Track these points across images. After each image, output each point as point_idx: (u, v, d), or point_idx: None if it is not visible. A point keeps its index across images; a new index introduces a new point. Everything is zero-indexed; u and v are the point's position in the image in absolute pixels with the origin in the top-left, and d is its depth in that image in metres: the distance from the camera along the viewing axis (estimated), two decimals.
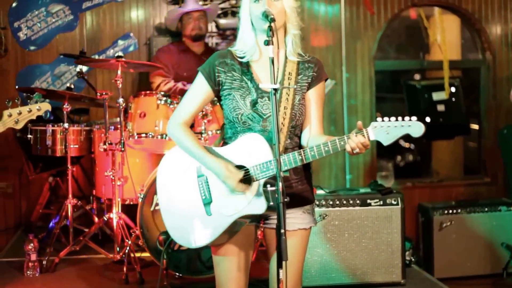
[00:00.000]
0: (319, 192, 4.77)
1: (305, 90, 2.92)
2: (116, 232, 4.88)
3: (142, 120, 4.83)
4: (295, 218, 2.90)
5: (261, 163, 2.72)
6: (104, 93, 4.91)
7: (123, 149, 4.82)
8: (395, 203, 4.69)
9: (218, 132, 4.82)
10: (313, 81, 2.93)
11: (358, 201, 4.67)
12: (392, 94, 7.93)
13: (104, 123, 5.01)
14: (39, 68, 6.32)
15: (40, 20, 6.29)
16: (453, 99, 6.71)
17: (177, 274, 4.56)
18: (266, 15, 2.70)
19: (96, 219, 5.36)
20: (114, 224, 4.87)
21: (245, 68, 2.90)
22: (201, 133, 4.74)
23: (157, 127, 4.79)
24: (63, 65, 6.34)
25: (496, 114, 6.98)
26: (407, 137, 2.64)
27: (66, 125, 5.11)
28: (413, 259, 5.24)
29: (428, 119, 6.53)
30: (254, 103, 2.84)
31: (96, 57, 6.29)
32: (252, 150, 2.76)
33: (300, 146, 2.94)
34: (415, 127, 2.61)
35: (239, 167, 2.78)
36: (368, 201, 4.68)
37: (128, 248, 4.70)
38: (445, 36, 6.89)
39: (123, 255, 4.72)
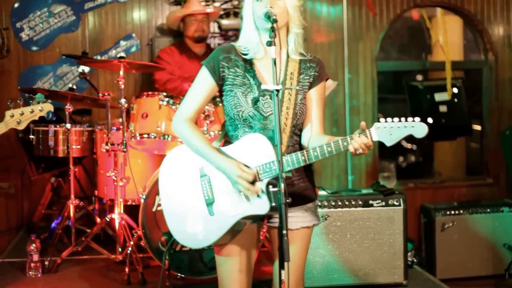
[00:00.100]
0: (321, 193, 4.77)
1: (306, 89, 2.92)
2: (118, 233, 4.88)
3: (144, 120, 4.83)
4: (297, 217, 2.91)
5: (264, 164, 2.72)
6: (106, 94, 4.91)
7: (125, 149, 4.82)
8: (397, 204, 4.69)
9: (220, 132, 4.82)
10: (315, 81, 2.93)
11: (360, 202, 4.67)
12: (394, 95, 7.92)
13: (106, 123, 5.01)
14: (41, 68, 6.32)
15: (42, 21, 6.30)
16: (456, 100, 6.71)
17: (179, 274, 4.56)
18: (268, 16, 2.70)
19: (98, 220, 5.36)
20: (116, 224, 4.87)
21: (248, 65, 2.89)
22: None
23: (159, 128, 4.79)
24: (65, 65, 6.34)
25: (499, 115, 6.97)
26: (409, 138, 2.63)
27: (68, 125, 5.11)
28: (415, 260, 5.23)
29: (430, 120, 6.52)
30: (255, 101, 2.84)
31: (98, 57, 6.30)
32: (255, 150, 2.76)
33: (300, 145, 2.94)
34: (418, 128, 2.61)
35: None
36: (370, 202, 4.68)
37: (130, 248, 4.70)
38: (448, 37, 6.89)
39: (125, 256, 4.72)
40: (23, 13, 6.25)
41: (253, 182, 2.72)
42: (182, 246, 4.40)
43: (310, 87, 2.93)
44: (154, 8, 6.47)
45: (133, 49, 6.44)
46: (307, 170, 2.94)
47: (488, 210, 6.21)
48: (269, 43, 2.65)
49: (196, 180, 2.87)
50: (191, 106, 2.91)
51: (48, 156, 5.44)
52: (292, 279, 2.83)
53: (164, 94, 4.87)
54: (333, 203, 4.64)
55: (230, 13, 6.41)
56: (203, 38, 5.95)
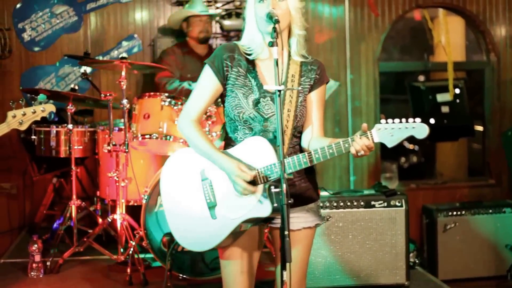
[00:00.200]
0: (323, 193, 4.76)
1: (307, 91, 2.92)
2: (120, 233, 4.88)
3: (146, 121, 4.83)
4: (299, 217, 2.90)
5: (266, 166, 2.72)
6: (108, 94, 4.91)
7: (127, 150, 4.82)
8: (399, 204, 4.68)
9: (221, 132, 4.82)
10: (315, 84, 2.93)
11: (362, 203, 4.66)
12: (396, 96, 7.93)
13: (108, 124, 5.01)
14: (43, 69, 6.32)
15: (44, 21, 6.30)
16: (458, 101, 6.70)
17: (181, 275, 4.56)
18: (270, 16, 2.70)
19: (100, 220, 5.36)
20: (118, 225, 4.87)
21: (251, 65, 2.89)
22: None
23: (161, 128, 4.78)
24: (67, 66, 6.35)
25: (501, 116, 6.97)
26: (411, 139, 2.63)
27: (70, 126, 5.11)
28: (417, 261, 5.23)
29: (432, 121, 6.52)
30: (256, 103, 2.83)
31: (100, 58, 6.30)
32: (256, 152, 2.76)
33: (300, 146, 2.94)
34: (419, 129, 2.60)
35: None
36: (372, 202, 4.67)
37: (132, 249, 4.70)
38: (450, 38, 6.88)
39: (127, 256, 4.72)
40: (25, 14, 6.26)
41: (253, 183, 2.72)
42: (184, 247, 4.39)
43: (310, 90, 2.92)
44: (156, 9, 6.47)
45: (135, 49, 6.44)
46: (309, 171, 2.93)
47: (490, 211, 6.21)
48: (271, 44, 2.65)
49: (198, 183, 2.86)
50: (196, 106, 2.90)
51: (50, 156, 5.44)
52: (294, 280, 2.83)
53: (166, 94, 4.87)
54: (335, 204, 4.64)
55: (232, 13, 6.41)
56: (207, 38, 5.97)
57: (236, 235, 2.84)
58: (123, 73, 4.83)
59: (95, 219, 5.49)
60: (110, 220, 4.96)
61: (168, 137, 4.78)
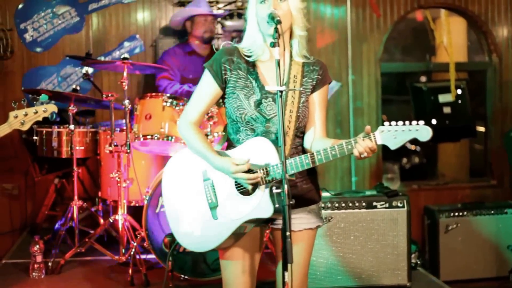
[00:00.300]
0: (325, 194, 4.76)
1: (309, 92, 2.91)
2: (121, 234, 4.88)
3: (147, 122, 4.83)
4: (301, 218, 2.90)
5: (268, 167, 2.72)
6: (110, 95, 4.91)
7: (128, 150, 4.82)
8: (401, 205, 4.68)
9: (223, 133, 4.81)
10: (318, 84, 2.92)
11: (363, 204, 4.66)
12: (398, 96, 7.92)
13: (109, 124, 5.01)
14: (45, 69, 6.33)
15: (46, 22, 6.30)
16: (459, 102, 6.70)
17: (182, 276, 4.56)
18: (272, 17, 2.70)
19: (101, 221, 5.36)
20: (120, 226, 4.87)
21: (251, 67, 2.89)
22: (206, 135, 4.74)
23: (163, 129, 4.78)
24: (69, 66, 6.35)
25: (503, 117, 6.96)
26: (413, 140, 2.63)
27: (72, 126, 5.11)
28: (419, 262, 5.22)
29: (434, 122, 6.51)
30: (258, 104, 2.83)
31: (102, 58, 6.30)
32: (259, 153, 2.75)
33: (302, 147, 2.93)
34: (423, 131, 2.60)
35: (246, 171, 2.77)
36: (374, 203, 4.67)
37: (133, 250, 4.70)
38: (452, 38, 6.87)
39: (129, 257, 4.72)
40: (27, 14, 6.26)
41: (251, 172, 2.72)
42: (186, 248, 4.39)
43: (313, 91, 2.92)
44: (158, 9, 6.47)
45: (137, 50, 6.44)
46: (310, 172, 2.93)
47: (492, 212, 6.20)
48: (273, 44, 2.65)
49: (199, 184, 2.87)
50: (195, 109, 2.92)
51: (51, 157, 5.45)
52: (296, 281, 2.83)
53: (168, 95, 4.87)
54: (336, 205, 4.64)
55: (234, 14, 6.41)
56: (211, 38, 5.98)
57: (238, 236, 2.84)
58: (125, 74, 4.83)
59: (97, 219, 5.50)
60: (111, 221, 4.96)
61: (169, 137, 4.78)
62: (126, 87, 4.83)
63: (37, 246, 4.74)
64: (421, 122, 2.60)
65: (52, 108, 3.82)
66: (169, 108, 4.83)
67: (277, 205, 2.69)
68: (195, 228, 2.86)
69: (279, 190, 2.64)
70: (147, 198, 4.64)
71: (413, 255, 4.96)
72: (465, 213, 6.17)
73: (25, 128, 3.75)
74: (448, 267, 6.10)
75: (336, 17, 6.64)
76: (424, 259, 6.23)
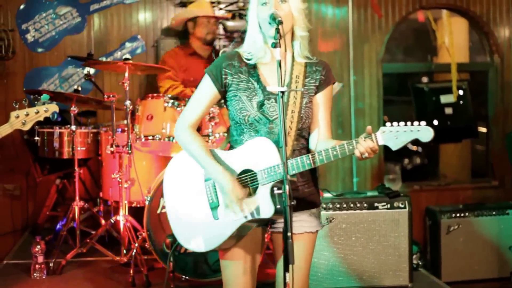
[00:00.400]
0: (326, 195, 4.76)
1: (312, 93, 2.91)
2: (122, 235, 4.88)
3: (149, 122, 4.83)
4: (302, 221, 2.89)
5: (269, 167, 2.71)
6: (111, 96, 4.91)
7: (130, 151, 4.82)
8: (402, 206, 4.67)
9: (225, 134, 4.82)
10: (321, 85, 2.92)
11: (365, 204, 4.66)
12: (399, 97, 7.91)
13: (111, 125, 5.01)
14: (46, 70, 6.33)
15: (48, 23, 6.30)
16: (461, 102, 6.69)
17: (184, 277, 4.56)
18: (273, 18, 2.69)
19: (103, 222, 5.36)
20: (121, 226, 4.87)
21: (252, 69, 2.89)
22: (208, 136, 4.74)
23: (164, 130, 4.79)
24: (71, 67, 6.35)
25: (504, 117, 6.95)
26: (414, 141, 2.62)
27: (73, 127, 5.11)
28: (420, 263, 5.22)
29: (435, 122, 6.51)
30: (260, 105, 2.83)
31: (104, 59, 6.30)
32: (260, 153, 2.75)
33: (307, 148, 2.93)
34: (424, 132, 2.59)
35: (247, 171, 2.77)
36: (375, 204, 4.67)
37: (134, 250, 4.69)
38: (453, 39, 6.87)
39: (130, 258, 4.72)
40: (28, 15, 6.26)
41: (253, 178, 2.74)
42: (187, 249, 4.39)
43: (316, 91, 2.91)
44: (160, 10, 6.47)
45: (139, 50, 6.44)
46: (312, 176, 2.94)
47: (494, 212, 6.20)
48: (274, 45, 2.65)
49: (200, 184, 2.87)
50: (193, 113, 2.92)
51: (53, 157, 5.44)
52: (297, 284, 2.83)
53: (169, 96, 4.88)
54: (338, 206, 4.63)
55: (235, 14, 6.41)
56: (214, 40, 5.98)
57: (238, 236, 2.84)
58: (126, 74, 4.83)
59: (98, 220, 5.49)
60: (113, 222, 4.96)
61: (171, 138, 4.79)
62: (127, 88, 4.83)
63: (39, 246, 4.74)
64: (423, 123, 2.60)
65: (54, 108, 3.82)
66: (170, 109, 4.83)
67: (278, 206, 2.68)
68: (196, 228, 2.86)
69: (280, 191, 2.64)
70: (148, 199, 4.64)
71: (414, 256, 4.95)
72: (466, 214, 6.17)
73: (27, 128, 3.75)
74: (449, 268, 6.10)
75: (338, 18, 6.64)
76: (426, 260, 6.22)
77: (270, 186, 2.71)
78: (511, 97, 6.90)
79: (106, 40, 6.42)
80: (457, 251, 6.12)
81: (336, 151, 2.65)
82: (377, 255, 4.63)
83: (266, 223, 2.92)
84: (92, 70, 5.30)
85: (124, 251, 4.87)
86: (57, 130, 5.36)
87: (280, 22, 2.67)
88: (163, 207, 4.65)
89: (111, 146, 4.93)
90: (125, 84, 4.81)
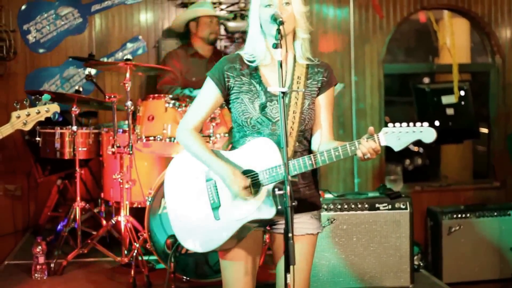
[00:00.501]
0: (327, 196, 4.76)
1: (314, 95, 2.91)
2: (124, 235, 4.88)
3: (150, 123, 4.83)
4: (303, 223, 2.89)
5: (270, 168, 2.71)
6: (112, 96, 4.92)
7: (131, 152, 4.82)
8: (403, 207, 4.67)
9: (226, 135, 4.81)
10: (323, 87, 2.92)
11: (366, 205, 4.65)
12: (401, 98, 7.91)
13: (112, 126, 5.01)
14: (48, 71, 6.33)
15: (49, 23, 6.31)
16: (463, 103, 6.69)
17: (185, 277, 4.55)
18: (275, 18, 2.70)
19: (104, 222, 5.36)
20: (122, 227, 4.87)
21: (254, 71, 2.89)
22: (209, 136, 4.74)
23: (165, 130, 4.79)
24: (72, 68, 6.35)
25: (506, 118, 6.95)
26: (416, 142, 2.62)
27: (74, 128, 5.11)
28: (421, 264, 5.22)
29: (437, 123, 6.50)
30: (263, 107, 2.83)
31: (105, 60, 6.30)
32: (262, 154, 2.75)
33: (309, 150, 2.93)
34: (427, 133, 2.60)
35: (248, 171, 2.77)
36: (377, 205, 4.66)
37: (135, 251, 4.69)
38: (455, 40, 6.87)
39: (131, 258, 4.72)
40: (30, 16, 6.26)
41: (256, 187, 2.74)
42: (188, 249, 4.39)
43: (318, 93, 2.91)
44: (161, 11, 6.47)
45: (140, 51, 6.44)
46: (313, 178, 2.94)
47: (495, 213, 6.19)
48: (275, 46, 2.65)
49: (202, 184, 2.87)
50: (195, 116, 2.92)
51: (54, 158, 5.44)
52: (298, 286, 2.82)
53: (170, 96, 4.88)
54: (339, 206, 4.63)
55: (236, 15, 6.41)
56: (216, 40, 5.98)
57: (239, 237, 2.83)
58: (128, 75, 4.83)
59: (99, 221, 5.49)
60: (114, 222, 4.96)
61: (172, 139, 4.79)
62: (128, 88, 4.83)
63: (40, 247, 4.74)
64: (425, 124, 2.60)
65: (55, 108, 3.82)
66: (171, 110, 4.83)
67: (279, 207, 2.68)
68: (197, 228, 2.86)
69: (281, 192, 2.64)
70: (150, 200, 4.64)
71: (415, 257, 4.95)
72: (468, 215, 6.16)
73: (28, 128, 3.75)
74: (451, 269, 6.09)
75: (339, 18, 6.64)
76: (427, 261, 6.22)
77: (271, 186, 2.71)
78: None
79: (107, 40, 6.42)
80: (458, 252, 6.11)
81: (338, 152, 2.65)
82: (378, 256, 4.63)
83: (266, 224, 2.92)
84: (93, 71, 5.30)
85: (125, 252, 4.87)
86: (58, 130, 5.35)
87: (281, 23, 2.67)
88: (165, 208, 4.65)
89: (112, 146, 4.93)
90: (126, 85, 4.82)
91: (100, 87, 5.58)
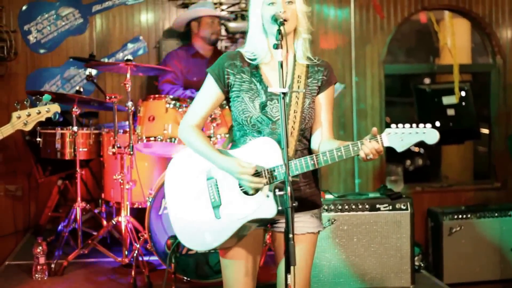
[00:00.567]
0: (328, 196, 4.75)
1: (315, 93, 2.91)
2: (124, 236, 4.88)
3: (151, 123, 4.83)
4: (304, 222, 2.89)
5: (272, 167, 2.71)
6: (113, 97, 4.92)
7: (132, 152, 4.82)
8: (404, 208, 4.67)
9: (227, 135, 4.82)
10: (323, 85, 2.92)
11: (367, 206, 4.65)
12: (401, 98, 7.90)
13: (113, 126, 5.01)
14: (48, 71, 6.33)
15: (50, 23, 6.31)
16: (463, 104, 6.68)
17: (185, 278, 4.55)
18: (275, 19, 2.70)
19: (104, 223, 5.36)
20: (123, 227, 4.87)
21: (254, 70, 2.89)
22: (210, 137, 4.75)
23: (166, 131, 4.79)
24: (73, 68, 6.35)
25: (507, 119, 6.95)
26: (418, 143, 2.62)
27: (75, 128, 5.11)
28: (422, 264, 5.21)
29: (438, 124, 6.50)
30: (263, 106, 2.83)
31: (106, 60, 6.30)
32: (263, 154, 2.76)
33: (309, 149, 2.93)
34: (430, 135, 2.60)
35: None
36: (377, 205, 4.66)
37: (136, 251, 4.69)
38: (455, 40, 6.86)
39: (132, 259, 4.72)
40: (31, 16, 6.27)
41: (257, 175, 2.73)
42: (188, 250, 4.39)
43: (318, 92, 2.92)
44: (162, 11, 6.47)
45: (140, 51, 6.44)
46: (314, 177, 2.93)
47: (496, 214, 6.19)
48: (276, 46, 2.65)
49: (202, 183, 2.86)
50: (197, 113, 2.92)
51: (55, 158, 5.44)
52: (299, 285, 2.82)
53: (171, 97, 4.88)
54: (339, 207, 4.63)
55: (237, 16, 6.41)
56: (217, 40, 5.99)
57: (240, 236, 2.84)
58: (128, 75, 4.83)
59: (100, 221, 5.49)
60: (114, 223, 4.96)
61: (173, 139, 4.79)
62: (129, 89, 4.83)
63: (40, 247, 4.74)
64: (428, 125, 2.61)
65: (55, 108, 3.82)
66: (172, 110, 4.83)
67: (280, 207, 2.68)
68: (198, 227, 2.86)
69: (282, 192, 2.64)
70: (150, 200, 4.64)
71: (416, 258, 4.95)
72: (468, 215, 6.16)
73: (28, 128, 3.75)
74: (451, 270, 6.09)
75: (340, 19, 6.63)
76: (428, 262, 6.22)
77: (273, 186, 2.71)
78: None
79: (108, 41, 6.42)
80: (459, 252, 6.11)
81: (340, 152, 2.66)
82: (379, 257, 4.63)
83: (267, 223, 2.92)
84: (94, 71, 5.30)
85: (126, 252, 4.87)
86: (59, 131, 5.36)
87: (282, 23, 2.67)
88: (165, 208, 4.65)
89: (113, 147, 4.93)
90: (127, 85, 4.82)
91: (101, 88, 5.58)
